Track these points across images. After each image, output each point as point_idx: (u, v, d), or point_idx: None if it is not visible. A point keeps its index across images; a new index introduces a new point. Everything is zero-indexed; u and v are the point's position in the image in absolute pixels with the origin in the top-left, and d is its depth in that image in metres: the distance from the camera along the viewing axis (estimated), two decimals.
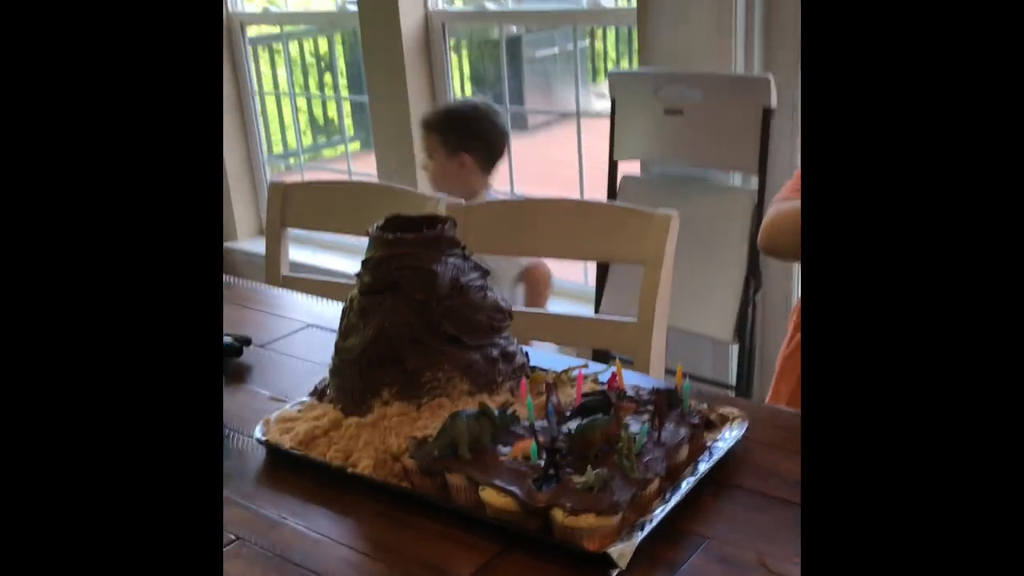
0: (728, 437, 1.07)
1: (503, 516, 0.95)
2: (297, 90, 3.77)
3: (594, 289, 2.58)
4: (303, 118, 3.94)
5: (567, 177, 3.01)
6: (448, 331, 1.13)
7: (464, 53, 5.31)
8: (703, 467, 1.01)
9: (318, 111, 4.18)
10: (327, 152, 4.46)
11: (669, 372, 2.56)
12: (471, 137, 2.37)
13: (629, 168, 2.59)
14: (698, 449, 1.05)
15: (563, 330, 1.79)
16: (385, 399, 1.12)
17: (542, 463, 0.97)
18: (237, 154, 3.69)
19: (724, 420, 1.10)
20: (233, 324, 1.57)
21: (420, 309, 1.12)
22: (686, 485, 0.98)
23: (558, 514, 0.92)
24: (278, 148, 3.94)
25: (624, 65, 6.79)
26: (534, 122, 5.84)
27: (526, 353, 1.23)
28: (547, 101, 6.38)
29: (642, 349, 1.64)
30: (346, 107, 4.04)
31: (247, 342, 1.43)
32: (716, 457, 1.03)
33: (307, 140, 4.15)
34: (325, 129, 4.49)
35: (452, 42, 3.14)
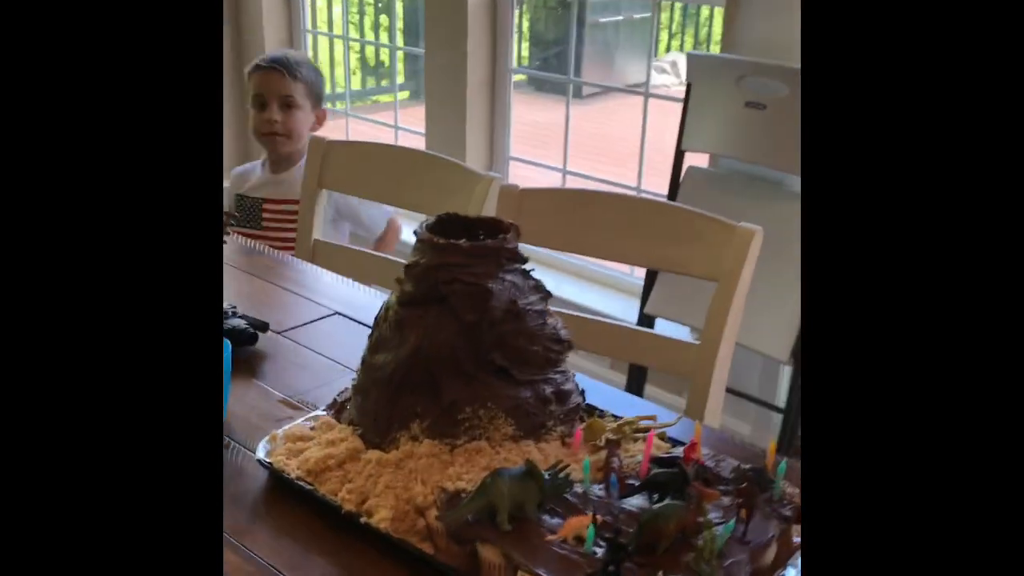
0: None
1: None
2: (352, 32, 3.55)
3: (641, 282, 2.38)
4: (354, 58, 3.73)
5: (621, 154, 2.79)
6: (497, 361, 0.94)
7: (523, 14, 5.06)
8: (793, 574, 0.82)
9: (370, 54, 3.97)
10: (375, 98, 4.25)
11: (730, 391, 2.39)
12: (323, 92, 2.21)
13: (695, 159, 2.38)
14: (787, 548, 0.86)
15: (612, 342, 1.60)
16: (414, 433, 0.94)
17: (598, 551, 0.78)
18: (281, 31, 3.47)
19: None
20: (252, 302, 1.39)
21: (467, 332, 0.93)
22: None
23: None
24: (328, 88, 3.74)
25: (688, 44, 6.49)
26: (589, 90, 5.58)
27: (582, 392, 1.04)
28: (605, 69, 6.11)
29: (702, 373, 1.45)
30: (399, 55, 3.82)
31: (264, 327, 1.26)
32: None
33: (356, 83, 3.94)
34: (375, 72, 4.28)
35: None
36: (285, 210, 2.12)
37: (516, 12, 2.88)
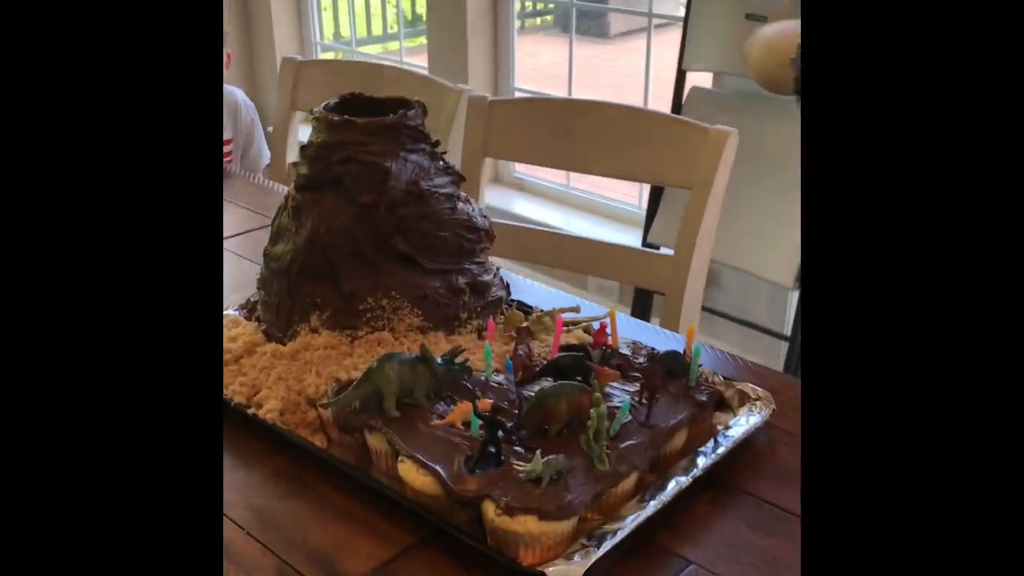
0: (745, 424, 0.80)
1: (422, 500, 0.72)
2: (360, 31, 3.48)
3: (644, 213, 2.29)
4: (360, 5, 3.65)
5: (636, 91, 2.68)
6: (400, 248, 0.88)
7: None
8: (703, 462, 0.75)
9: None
10: (381, 46, 4.16)
11: (710, 312, 2.31)
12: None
13: (700, 80, 2.27)
14: (700, 436, 0.79)
15: (585, 258, 1.52)
16: (314, 325, 0.89)
17: (482, 435, 0.72)
18: (292, 42, 3.45)
19: (744, 399, 0.84)
20: None
21: (366, 216, 0.87)
22: (675, 485, 0.72)
23: (489, 509, 0.68)
24: (338, 33, 3.67)
25: None
26: (616, 29, 5.41)
27: (507, 285, 0.97)
28: (632, 6, 5.92)
29: (675, 285, 1.37)
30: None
31: None
32: (723, 450, 0.77)
33: (361, 30, 3.86)
34: (383, 19, 4.19)
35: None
36: None
37: None
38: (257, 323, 0.94)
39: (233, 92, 2.10)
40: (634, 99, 2.69)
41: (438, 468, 0.71)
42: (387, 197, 0.86)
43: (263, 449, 0.82)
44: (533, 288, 1.10)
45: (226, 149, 2.00)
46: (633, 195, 2.69)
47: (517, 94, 2.85)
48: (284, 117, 1.86)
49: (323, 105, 0.91)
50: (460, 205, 0.91)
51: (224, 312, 1.00)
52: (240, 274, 1.16)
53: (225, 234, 1.29)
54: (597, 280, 2.52)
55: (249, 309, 0.98)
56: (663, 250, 2.13)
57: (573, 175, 2.73)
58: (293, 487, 0.78)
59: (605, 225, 2.65)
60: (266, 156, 2.09)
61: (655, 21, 2.57)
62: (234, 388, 0.85)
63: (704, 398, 0.80)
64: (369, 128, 0.87)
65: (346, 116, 0.88)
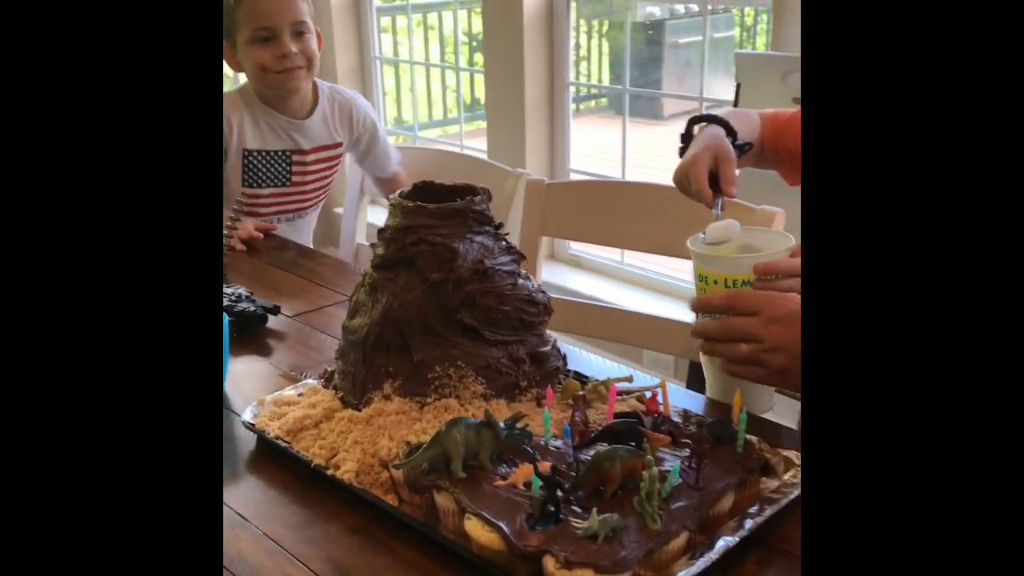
0: (790, 487, 0.85)
1: (487, 555, 0.78)
2: (424, 57, 3.65)
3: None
4: (421, 91, 3.83)
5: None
6: (466, 321, 0.95)
7: (603, 34, 5.09)
8: (750, 523, 0.80)
9: (435, 80, 4.05)
10: (441, 129, 4.33)
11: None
12: None
13: None
14: (748, 499, 0.84)
15: (639, 332, 1.58)
16: (387, 393, 0.96)
17: (542, 495, 0.78)
18: None
19: (789, 466, 0.88)
20: (269, 288, 1.45)
21: (435, 292, 0.95)
22: (723, 544, 0.77)
23: (549, 563, 0.73)
24: (399, 118, 3.84)
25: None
26: (669, 111, 5.55)
27: (564, 355, 1.04)
28: (685, 90, 6.06)
29: None
30: (477, 81, 3.90)
31: (275, 311, 1.31)
32: (769, 512, 0.81)
33: (422, 115, 4.03)
34: (444, 104, 4.36)
35: (586, 25, 2.93)
36: (321, 159, 1.86)
37: (591, 36, 2.90)
38: (335, 391, 1.02)
39: (350, 95, 1.92)
40: None
41: (502, 525, 0.77)
42: (455, 275, 0.94)
43: (340, 507, 0.88)
44: (588, 359, 1.17)
45: (336, 152, 1.87)
46: (685, 270, 2.75)
47: (572, 175, 2.96)
48: (352, 201, 1.97)
49: (398, 192, 1.00)
50: (521, 281, 0.99)
51: (305, 380, 1.08)
52: (321, 346, 1.25)
53: (304, 309, 1.38)
54: (652, 354, 2.56)
55: (327, 379, 1.06)
56: None
57: (627, 251, 2.80)
58: (367, 542, 0.84)
59: (658, 299, 2.71)
60: (395, 157, 1.95)
61: (706, 104, 2.66)
62: (314, 450, 0.92)
63: (751, 464, 0.85)
64: (439, 213, 0.96)
65: (418, 202, 0.97)
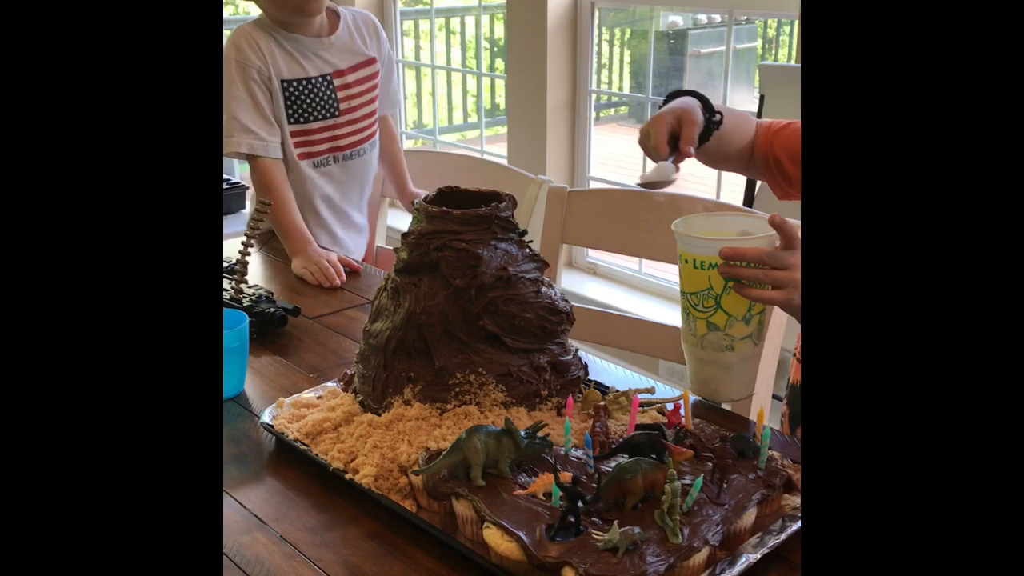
0: None
1: (505, 565, 0.77)
2: (446, 62, 3.66)
3: None
4: (442, 95, 3.83)
5: (709, 181, 2.75)
6: (488, 328, 0.95)
7: (625, 42, 5.08)
8: (771, 540, 0.79)
9: (456, 85, 4.05)
10: (460, 134, 4.33)
11: (778, 399, 2.31)
12: None
13: None
14: (770, 516, 0.83)
15: (657, 342, 1.57)
16: (407, 398, 0.96)
17: (563, 506, 0.78)
18: None
19: None
20: (290, 291, 1.45)
21: (458, 297, 0.94)
22: (744, 561, 0.76)
23: (568, 575, 0.73)
24: (419, 122, 3.85)
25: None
26: None
27: (585, 365, 1.03)
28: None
29: None
30: (498, 87, 3.90)
31: (295, 312, 1.30)
32: (792, 530, 0.80)
33: (442, 119, 4.03)
34: (464, 109, 4.37)
35: (608, 33, 2.92)
36: (361, 78, 1.73)
37: (612, 44, 2.89)
38: (354, 395, 1.01)
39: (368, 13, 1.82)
40: (707, 188, 2.76)
41: (521, 535, 0.76)
42: (478, 281, 0.94)
43: (358, 512, 0.88)
44: (609, 369, 1.16)
45: (373, 69, 1.74)
46: None
47: (592, 183, 2.95)
48: (374, 203, 1.97)
49: (423, 197, 1.00)
50: (544, 289, 0.98)
51: (325, 384, 1.08)
52: (341, 349, 1.25)
53: (324, 311, 1.38)
54: (668, 363, 2.55)
55: (346, 382, 1.06)
56: None
57: (644, 260, 2.79)
58: (384, 548, 0.84)
59: (676, 309, 2.70)
60: (398, 101, 1.89)
61: None
62: (333, 454, 0.92)
63: (773, 480, 0.84)
64: (464, 218, 0.95)
65: (444, 208, 0.96)
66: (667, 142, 1.06)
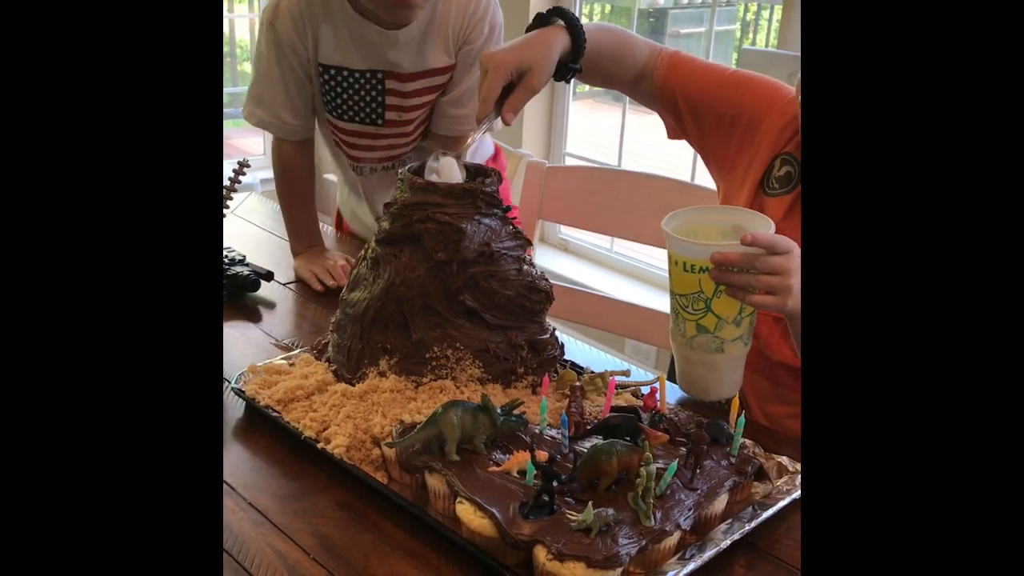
0: (782, 493, 0.85)
1: (477, 541, 0.77)
2: None
3: None
4: None
5: (685, 162, 2.76)
6: (467, 303, 0.94)
7: (604, 18, 5.05)
8: (741, 527, 0.80)
9: None
10: None
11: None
12: None
13: None
14: (740, 503, 0.84)
15: (629, 322, 1.58)
16: (382, 369, 0.95)
17: (537, 484, 0.78)
18: None
19: (782, 471, 0.88)
20: (264, 253, 1.43)
21: (439, 271, 0.94)
22: (714, 547, 0.77)
23: (540, 554, 0.73)
24: None
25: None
26: None
27: (561, 345, 1.03)
28: None
29: None
30: None
31: (268, 276, 1.29)
32: (762, 518, 0.81)
33: None
34: None
35: (588, 7, 2.89)
36: (424, 88, 1.33)
37: (586, 20, 2.87)
38: (327, 363, 1.00)
39: None
40: (682, 169, 2.77)
41: (495, 511, 0.76)
42: (460, 255, 0.93)
43: (329, 481, 0.87)
44: (584, 350, 1.16)
45: (442, 79, 1.34)
46: None
47: (568, 159, 2.94)
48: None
49: (408, 168, 0.99)
50: (525, 267, 0.97)
51: (297, 352, 1.07)
52: (314, 317, 1.23)
53: (299, 277, 1.36)
54: (634, 343, 2.57)
55: (319, 350, 1.05)
56: None
57: (616, 239, 2.80)
58: (355, 519, 0.83)
59: (645, 289, 2.71)
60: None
61: None
62: (305, 422, 0.91)
63: (745, 467, 0.84)
64: (449, 191, 0.94)
65: (429, 180, 0.95)
66: (497, 96, 0.95)
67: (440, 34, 1.29)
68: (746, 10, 4.87)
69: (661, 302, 2.55)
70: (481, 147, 1.52)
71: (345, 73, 1.31)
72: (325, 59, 1.30)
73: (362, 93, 1.32)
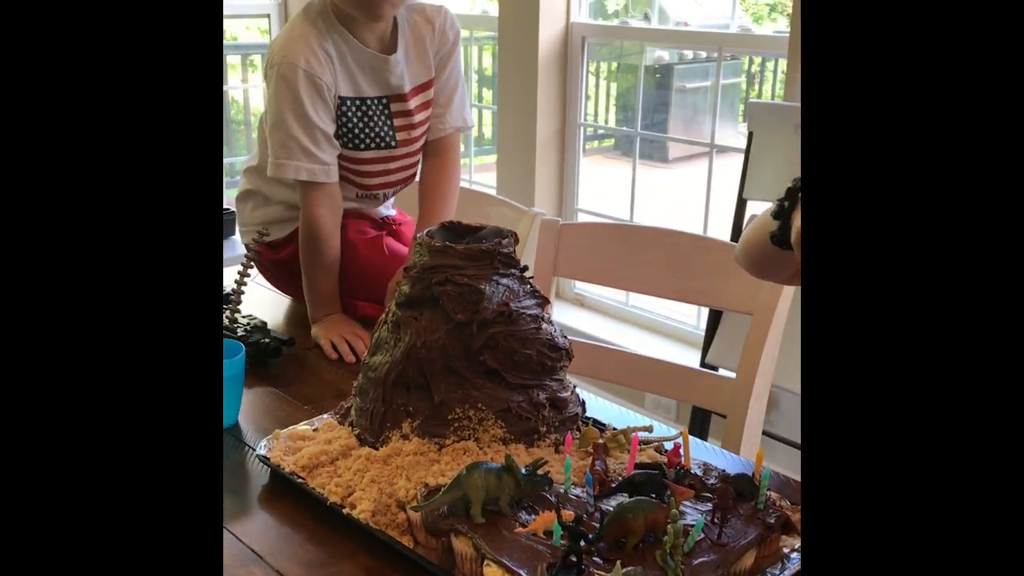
0: None
1: None
2: None
3: (703, 333, 2.35)
4: None
5: (697, 210, 2.78)
6: (488, 363, 0.95)
7: (610, 75, 5.14)
8: None
9: None
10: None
11: (769, 436, 2.31)
12: None
13: (760, 208, 2.35)
14: (769, 557, 0.83)
15: (647, 376, 1.58)
16: (405, 432, 0.96)
17: (565, 545, 0.77)
18: None
19: None
20: (286, 321, 1.45)
21: (459, 332, 0.95)
22: None
23: None
24: None
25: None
26: (675, 154, 5.59)
27: (583, 402, 1.04)
28: (691, 135, 6.12)
29: (737, 409, 1.42)
30: (484, 117, 3.93)
31: (290, 343, 1.30)
32: (789, 572, 0.81)
33: None
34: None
35: (594, 65, 2.95)
36: (420, 104, 1.46)
37: (597, 78, 2.92)
38: (351, 428, 1.01)
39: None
40: (693, 222, 2.78)
41: (523, 573, 0.76)
42: (479, 316, 0.94)
43: (355, 547, 0.87)
44: (605, 406, 1.17)
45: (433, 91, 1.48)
46: (690, 314, 2.76)
47: (580, 215, 2.97)
48: None
49: (426, 232, 1.00)
50: (544, 326, 0.98)
51: (320, 416, 1.08)
52: (336, 381, 1.24)
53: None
54: (654, 397, 2.56)
55: (342, 415, 1.06)
56: (722, 371, 2.18)
57: (631, 293, 2.81)
58: None
59: (663, 342, 2.71)
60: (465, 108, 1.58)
61: (716, 149, 2.68)
62: (330, 488, 0.91)
63: (773, 520, 0.84)
64: (467, 254, 0.96)
65: (446, 242, 0.97)
66: None
67: (422, 50, 1.45)
68: (751, 63, 4.94)
69: (679, 354, 2.55)
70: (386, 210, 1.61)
71: (359, 103, 1.40)
72: (342, 92, 1.39)
73: (376, 119, 1.42)
